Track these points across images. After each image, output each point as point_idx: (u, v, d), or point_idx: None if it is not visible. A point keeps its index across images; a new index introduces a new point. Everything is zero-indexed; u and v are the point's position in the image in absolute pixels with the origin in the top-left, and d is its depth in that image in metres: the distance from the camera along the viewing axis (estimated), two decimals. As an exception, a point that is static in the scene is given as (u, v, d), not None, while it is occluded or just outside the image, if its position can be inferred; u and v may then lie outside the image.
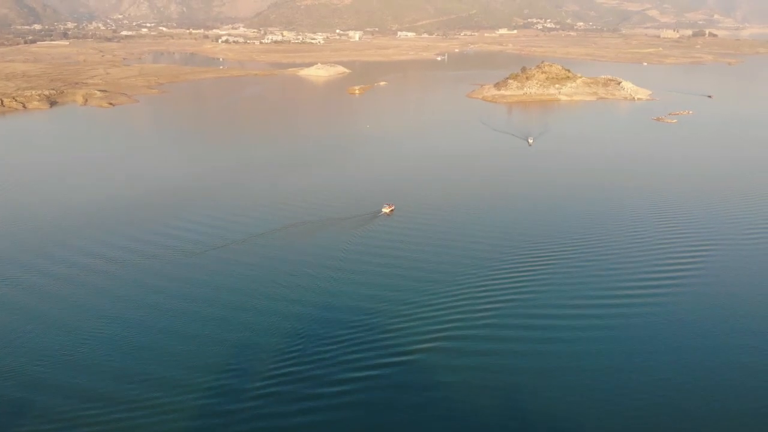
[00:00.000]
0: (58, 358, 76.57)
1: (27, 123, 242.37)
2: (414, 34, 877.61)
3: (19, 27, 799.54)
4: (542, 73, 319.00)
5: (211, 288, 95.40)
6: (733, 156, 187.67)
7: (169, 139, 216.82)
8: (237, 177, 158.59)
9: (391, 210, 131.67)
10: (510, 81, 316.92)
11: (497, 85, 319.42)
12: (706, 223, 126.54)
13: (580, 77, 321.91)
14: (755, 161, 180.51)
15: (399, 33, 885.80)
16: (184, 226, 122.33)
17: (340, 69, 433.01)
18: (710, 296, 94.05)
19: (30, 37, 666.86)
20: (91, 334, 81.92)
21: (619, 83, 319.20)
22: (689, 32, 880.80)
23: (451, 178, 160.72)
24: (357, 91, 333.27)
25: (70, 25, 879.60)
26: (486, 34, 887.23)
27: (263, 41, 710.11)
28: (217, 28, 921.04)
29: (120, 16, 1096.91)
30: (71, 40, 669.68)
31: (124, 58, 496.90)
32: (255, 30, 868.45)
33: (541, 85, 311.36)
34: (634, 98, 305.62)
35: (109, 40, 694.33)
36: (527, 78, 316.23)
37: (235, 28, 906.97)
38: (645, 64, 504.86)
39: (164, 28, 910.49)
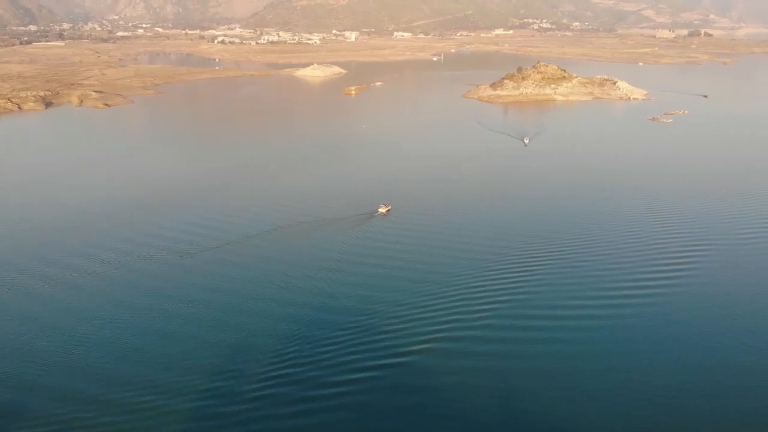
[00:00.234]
0: (52, 361, 76.13)
1: (22, 124, 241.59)
2: (410, 34, 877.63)
3: (14, 28, 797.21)
4: (538, 73, 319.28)
5: (206, 289, 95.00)
6: (729, 155, 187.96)
7: (164, 139, 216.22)
8: (232, 178, 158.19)
9: (388, 210, 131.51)
10: (506, 81, 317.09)
11: (493, 86, 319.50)
12: (702, 222, 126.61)
13: (576, 77, 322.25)
14: (750, 161, 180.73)
15: (395, 33, 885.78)
16: (180, 227, 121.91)
17: (336, 69, 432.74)
18: (707, 296, 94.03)
19: (25, 38, 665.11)
20: (85, 337, 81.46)
21: (615, 83, 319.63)
22: (685, 32, 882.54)
23: (446, 178, 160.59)
24: (353, 92, 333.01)
25: (65, 25, 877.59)
26: (482, 35, 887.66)
27: (259, 42, 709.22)
28: (213, 28, 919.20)
29: (116, 17, 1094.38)
30: (67, 41, 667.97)
31: (119, 59, 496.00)
32: (251, 30, 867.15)
33: (536, 85, 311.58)
34: (629, 98, 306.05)
35: (104, 40, 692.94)
36: (523, 78, 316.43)
37: (231, 29, 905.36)
38: (641, 64, 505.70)
39: (160, 29, 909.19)
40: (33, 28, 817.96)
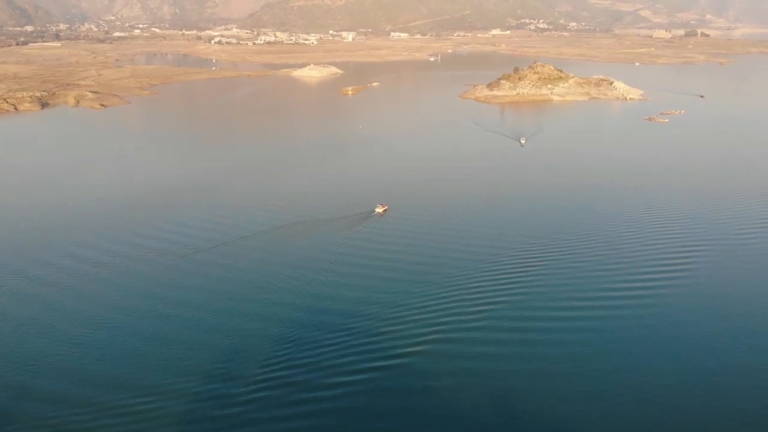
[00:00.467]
0: (47, 363, 75.67)
1: (18, 125, 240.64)
2: (407, 34, 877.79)
3: (10, 28, 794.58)
4: (535, 73, 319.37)
5: (201, 291, 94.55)
6: (725, 155, 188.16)
7: (160, 140, 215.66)
8: (228, 178, 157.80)
9: (384, 210, 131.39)
10: (502, 81, 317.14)
11: (490, 86, 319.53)
12: (699, 222, 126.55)
13: (573, 77, 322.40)
14: (747, 161, 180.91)
15: (392, 34, 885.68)
16: (175, 228, 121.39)
17: (333, 70, 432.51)
18: (706, 296, 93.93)
19: (22, 39, 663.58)
20: (79, 340, 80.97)
21: (612, 83, 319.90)
22: (681, 32, 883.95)
23: (443, 178, 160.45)
24: (350, 92, 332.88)
25: (62, 26, 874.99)
26: (479, 35, 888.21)
27: (256, 42, 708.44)
28: (210, 29, 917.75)
29: (112, 18, 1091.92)
30: (63, 42, 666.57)
31: (116, 60, 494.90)
32: (248, 31, 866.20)
33: (533, 85, 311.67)
34: (626, 98, 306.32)
35: (101, 41, 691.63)
36: (520, 78, 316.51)
37: (228, 29, 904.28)
38: (637, 64, 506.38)
39: (157, 30, 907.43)
40: (29, 28, 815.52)
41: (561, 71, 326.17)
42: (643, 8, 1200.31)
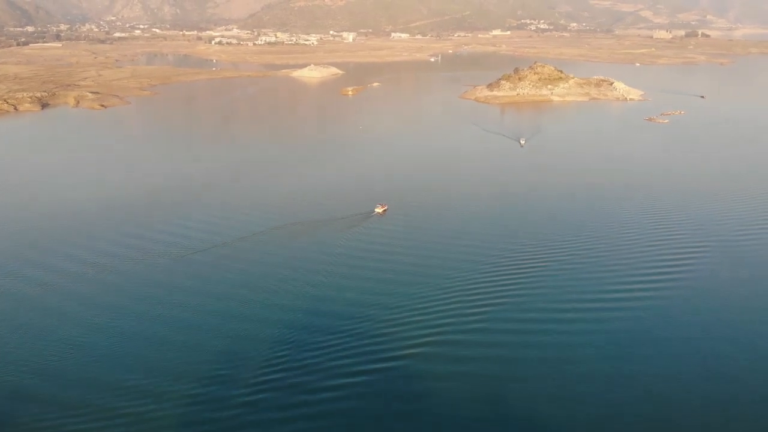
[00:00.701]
0: (42, 366, 75.35)
1: (18, 125, 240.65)
2: (407, 35, 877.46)
3: (11, 29, 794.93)
4: (535, 74, 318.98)
5: (198, 293, 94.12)
6: (725, 156, 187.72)
7: (160, 140, 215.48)
8: (228, 178, 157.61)
9: (384, 210, 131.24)
10: (503, 82, 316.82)
11: (490, 86, 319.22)
12: (699, 223, 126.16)
13: (573, 78, 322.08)
14: (747, 161, 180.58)
15: (393, 34, 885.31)
16: (173, 229, 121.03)
17: (334, 70, 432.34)
18: (706, 297, 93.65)
19: (22, 39, 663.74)
20: (76, 341, 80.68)
21: (612, 84, 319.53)
22: (682, 33, 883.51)
23: (443, 178, 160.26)
24: (350, 92, 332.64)
25: (62, 26, 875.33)
26: (479, 35, 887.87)
27: (256, 42, 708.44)
28: (211, 29, 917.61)
29: (113, 18, 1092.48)
30: (64, 42, 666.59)
31: (116, 60, 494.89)
32: (248, 31, 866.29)
33: (533, 86, 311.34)
34: (626, 99, 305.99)
35: (101, 41, 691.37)
36: (520, 79, 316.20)
37: (229, 30, 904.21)
38: (638, 64, 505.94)
39: (157, 30, 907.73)
40: (30, 29, 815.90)
41: (561, 72, 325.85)
42: (644, 9, 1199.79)
